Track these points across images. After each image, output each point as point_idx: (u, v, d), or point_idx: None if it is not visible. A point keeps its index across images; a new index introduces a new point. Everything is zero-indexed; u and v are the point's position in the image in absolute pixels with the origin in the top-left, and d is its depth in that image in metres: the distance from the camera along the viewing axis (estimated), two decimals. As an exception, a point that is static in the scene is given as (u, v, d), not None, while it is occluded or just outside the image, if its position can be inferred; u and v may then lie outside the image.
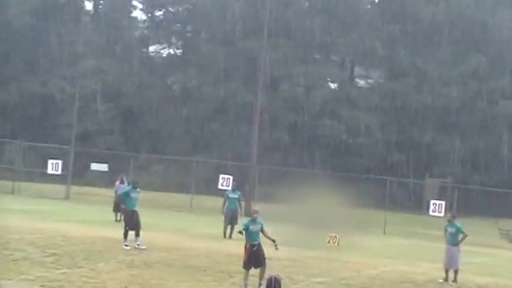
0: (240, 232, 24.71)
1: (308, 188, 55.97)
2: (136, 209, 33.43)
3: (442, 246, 32.85)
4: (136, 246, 31.55)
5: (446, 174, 72.39)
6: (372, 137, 76.74)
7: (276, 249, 23.25)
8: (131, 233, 32.35)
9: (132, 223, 32.24)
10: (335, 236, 39.24)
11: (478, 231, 46.15)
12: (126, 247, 31.51)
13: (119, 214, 39.47)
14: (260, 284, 23.07)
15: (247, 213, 39.30)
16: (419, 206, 63.41)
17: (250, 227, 23.83)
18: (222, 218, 41.23)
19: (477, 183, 69.58)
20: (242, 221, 27.29)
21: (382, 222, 53.47)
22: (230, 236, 39.19)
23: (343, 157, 75.56)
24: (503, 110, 76.16)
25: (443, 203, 56.95)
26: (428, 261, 36.96)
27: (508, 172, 75.88)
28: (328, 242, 38.72)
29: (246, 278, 23.48)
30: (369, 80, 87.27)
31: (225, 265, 27.69)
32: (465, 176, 73.00)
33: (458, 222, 33.06)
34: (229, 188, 48.31)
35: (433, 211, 55.93)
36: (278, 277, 12.75)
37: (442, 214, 54.28)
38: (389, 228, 52.96)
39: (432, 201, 57.53)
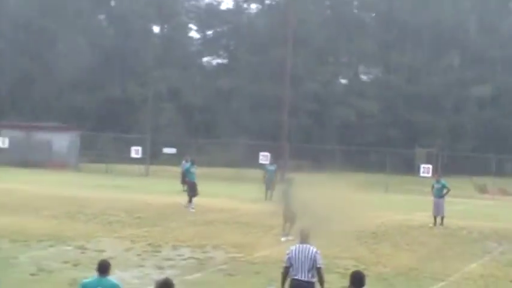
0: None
1: (326, 159, 55.87)
2: (195, 181, 33.74)
3: (430, 199, 32.73)
4: (186, 206, 32.23)
5: (432, 144, 71.93)
6: (374, 118, 76.48)
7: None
8: (194, 199, 32.68)
9: (194, 191, 32.61)
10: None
11: (458, 187, 45.61)
12: (191, 210, 31.73)
13: (185, 185, 39.42)
14: (288, 234, 23.19)
15: (282, 181, 39.34)
16: (412, 169, 62.79)
17: (289, 191, 24.05)
18: (263, 185, 41.19)
19: (456, 150, 69.13)
20: (278, 187, 27.34)
21: (383, 183, 53.24)
22: (271, 199, 39.23)
23: (353, 135, 75.40)
24: (474, 93, 75.72)
25: (430, 166, 56.60)
26: (421, 211, 36.68)
27: (479, 141, 75.46)
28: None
29: (283, 229, 23.67)
30: (370, 76, 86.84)
31: (267, 221, 27.77)
32: (446, 145, 72.59)
33: (443, 180, 33.17)
34: (268, 162, 48.26)
35: (423, 173, 55.54)
36: (307, 228, 12.88)
37: (430, 175, 53.95)
38: (390, 187, 52.68)
39: (422, 165, 57.35)
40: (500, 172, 59.59)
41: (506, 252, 25.00)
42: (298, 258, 12.14)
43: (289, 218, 23.73)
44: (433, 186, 32.89)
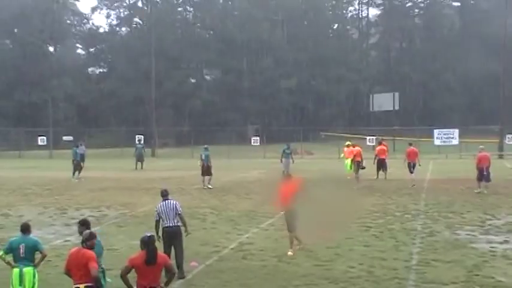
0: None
1: (183, 138, 54.41)
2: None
3: (260, 161, 32.62)
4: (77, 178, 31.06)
5: (258, 123, 72.81)
6: (216, 106, 76.59)
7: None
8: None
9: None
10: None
11: (278, 151, 46.11)
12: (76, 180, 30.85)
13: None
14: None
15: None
16: (246, 141, 63.02)
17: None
18: (135, 159, 39.87)
19: (274, 125, 70.19)
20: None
21: (226, 152, 52.52)
22: (142, 168, 38.09)
23: (202, 118, 74.96)
24: (283, 85, 76.87)
25: (258, 138, 56.65)
26: (254, 170, 36.74)
27: (289, 118, 77.02)
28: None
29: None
30: (212, 76, 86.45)
31: (145, 185, 27.10)
32: (268, 122, 73.59)
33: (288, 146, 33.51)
34: (137, 142, 47.21)
35: (253, 143, 55.35)
36: (165, 189, 12.86)
37: (258, 144, 54.55)
38: (231, 154, 51.15)
39: (252, 138, 57.33)
40: (305, 139, 61.16)
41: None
42: (164, 210, 12.11)
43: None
44: (284, 151, 33.03)
